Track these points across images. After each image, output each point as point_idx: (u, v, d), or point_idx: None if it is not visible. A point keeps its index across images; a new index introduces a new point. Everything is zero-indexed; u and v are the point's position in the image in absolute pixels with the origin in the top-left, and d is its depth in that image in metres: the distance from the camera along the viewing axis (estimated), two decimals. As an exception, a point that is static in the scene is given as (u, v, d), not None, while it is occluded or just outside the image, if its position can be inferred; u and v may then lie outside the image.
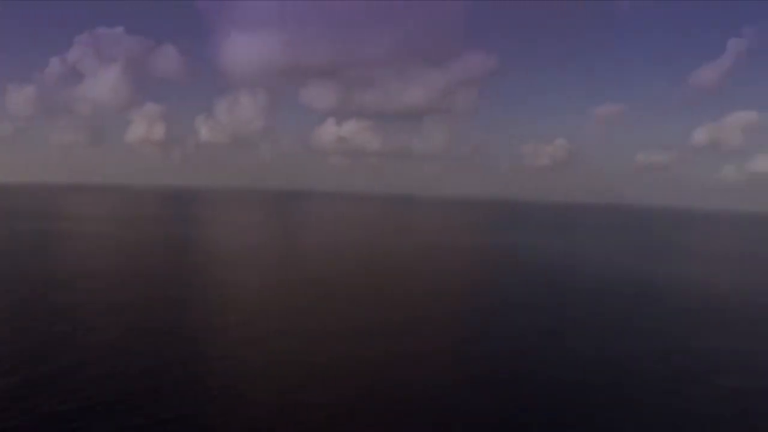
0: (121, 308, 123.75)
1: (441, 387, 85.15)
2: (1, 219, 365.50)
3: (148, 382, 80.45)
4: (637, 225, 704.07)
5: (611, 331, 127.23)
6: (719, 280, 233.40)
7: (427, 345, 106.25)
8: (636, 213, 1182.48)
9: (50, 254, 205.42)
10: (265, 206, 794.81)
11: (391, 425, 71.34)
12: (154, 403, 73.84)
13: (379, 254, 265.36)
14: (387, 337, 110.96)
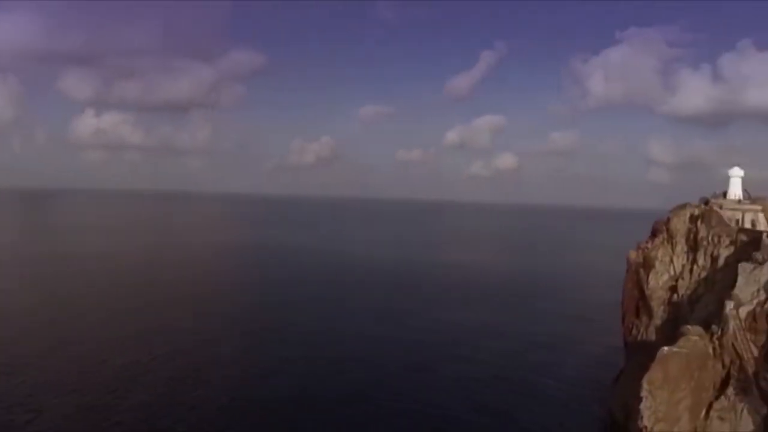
0: None
1: (231, 378, 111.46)
2: None
3: None
4: (398, 216, 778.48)
5: (376, 314, 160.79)
6: (473, 261, 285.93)
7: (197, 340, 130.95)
8: (396, 205, 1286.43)
9: None
10: (6, 208, 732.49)
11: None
12: None
13: (138, 254, 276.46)
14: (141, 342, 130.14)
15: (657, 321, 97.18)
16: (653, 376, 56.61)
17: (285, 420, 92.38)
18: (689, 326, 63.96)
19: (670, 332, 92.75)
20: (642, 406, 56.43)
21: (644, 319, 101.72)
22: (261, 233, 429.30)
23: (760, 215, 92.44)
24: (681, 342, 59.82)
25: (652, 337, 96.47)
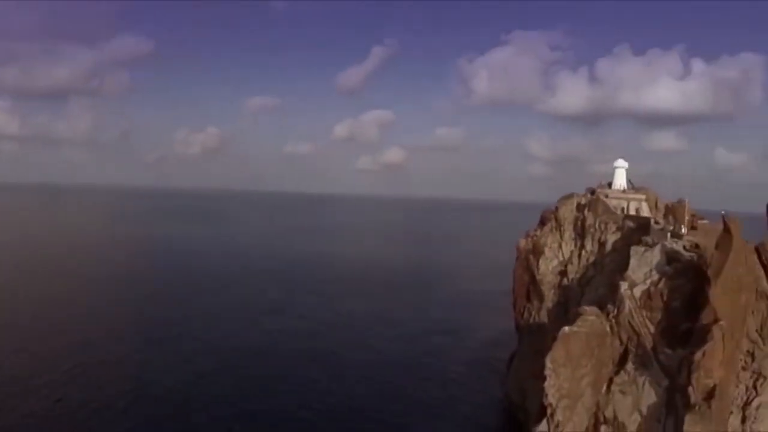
0: None
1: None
2: None
3: None
4: (287, 209, 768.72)
5: (271, 307, 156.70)
6: (365, 254, 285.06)
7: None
8: (284, 198, 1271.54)
9: None
10: None
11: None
12: None
13: (18, 251, 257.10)
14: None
15: (548, 304, 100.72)
16: (556, 354, 57.92)
17: (180, 414, 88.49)
18: (586, 307, 66.12)
19: (562, 314, 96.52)
20: (546, 384, 57.59)
21: (536, 303, 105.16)
22: (127, 227, 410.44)
23: (644, 203, 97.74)
24: (579, 322, 61.54)
25: (544, 319, 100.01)
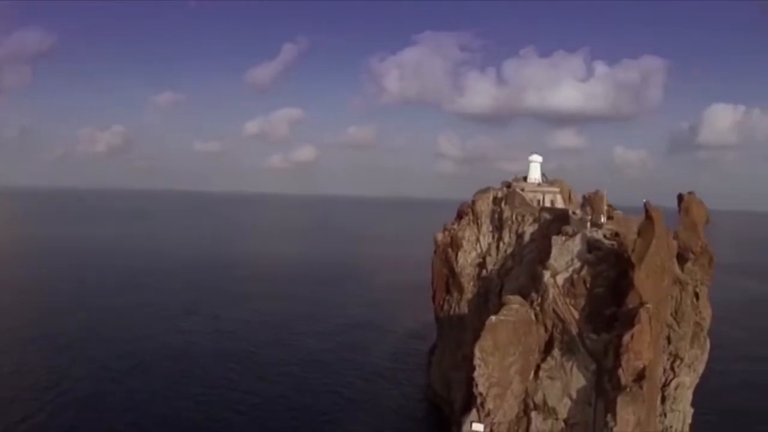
0: None
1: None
2: None
3: None
4: (199, 209, 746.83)
5: (184, 308, 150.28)
6: (278, 252, 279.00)
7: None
8: (195, 198, 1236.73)
9: None
10: None
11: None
12: None
13: None
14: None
15: (468, 295, 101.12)
16: (484, 344, 57.57)
17: (100, 421, 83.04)
18: (510, 296, 66.32)
19: (482, 305, 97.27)
20: (476, 374, 57.14)
21: (455, 294, 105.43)
22: (24, 230, 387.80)
23: (558, 196, 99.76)
24: (505, 311, 61.50)
25: (465, 310, 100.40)
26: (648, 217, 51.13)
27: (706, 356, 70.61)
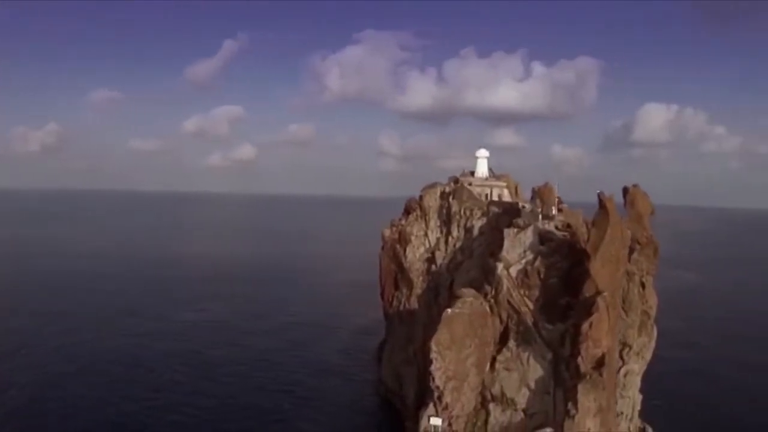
0: None
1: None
2: None
3: None
4: (137, 209, 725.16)
5: (129, 309, 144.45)
6: (219, 252, 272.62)
7: None
8: (134, 197, 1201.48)
9: None
10: None
11: None
12: None
13: None
14: None
15: (418, 291, 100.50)
16: (440, 337, 56.83)
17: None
18: (464, 289, 65.81)
19: (432, 300, 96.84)
20: (433, 367, 56.34)
21: (404, 290, 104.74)
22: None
23: (505, 190, 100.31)
24: (459, 304, 60.94)
25: (415, 306, 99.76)
26: (602, 207, 51.30)
27: (653, 344, 71.79)
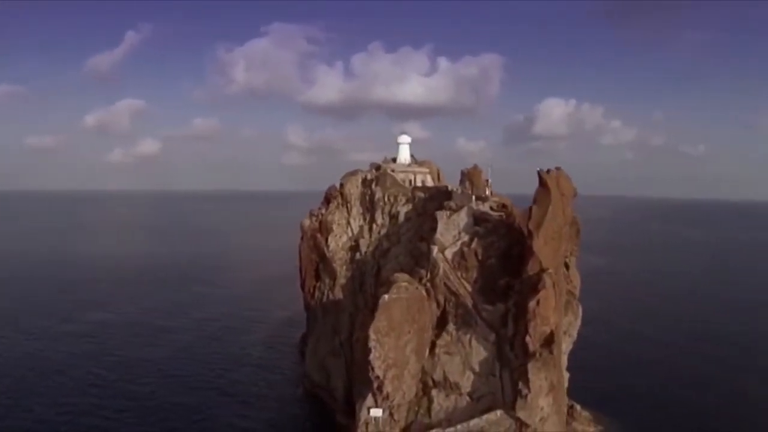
0: None
1: None
2: None
3: None
4: (34, 209, 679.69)
5: (18, 314, 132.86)
6: (126, 251, 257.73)
7: None
8: (29, 197, 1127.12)
9: None
10: None
11: None
12: None
13: None
14: None
15: (342, 280, 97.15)
16: (379, 324, 54.01)
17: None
18: (397, 274, 63.22)
19: (357, 289, 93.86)
20: (372, 356, 53.41)
21: (327, 281, 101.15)
22: None
23: (428, 176, 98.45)
24: (395, 289, 58.29)
25: (339, 295, 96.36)
26: (543, 184, 49.94)
27: (578, 322, 72.04)
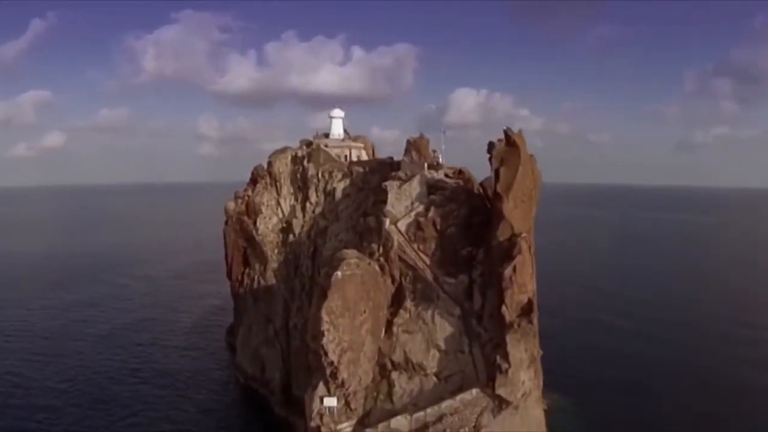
0: None
1: None
2: None
3: None
4: None
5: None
6: (38, 250, 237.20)
7: None
8: None
9: None
10: None
11: None
12: None
13: None
14: None
15: (273, 264, 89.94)
16: (332, 305, 47.89)
17: None
18: (345, 251, 57.10)
19: (293, 272, 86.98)
20: (325, 340, 47.28)
21: (257, 266, 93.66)
22: None
23: (362, 151, 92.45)
24: (345, 266, 52.19)
25: (271, 281, 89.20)
26: (511, 143, 45.22)
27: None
